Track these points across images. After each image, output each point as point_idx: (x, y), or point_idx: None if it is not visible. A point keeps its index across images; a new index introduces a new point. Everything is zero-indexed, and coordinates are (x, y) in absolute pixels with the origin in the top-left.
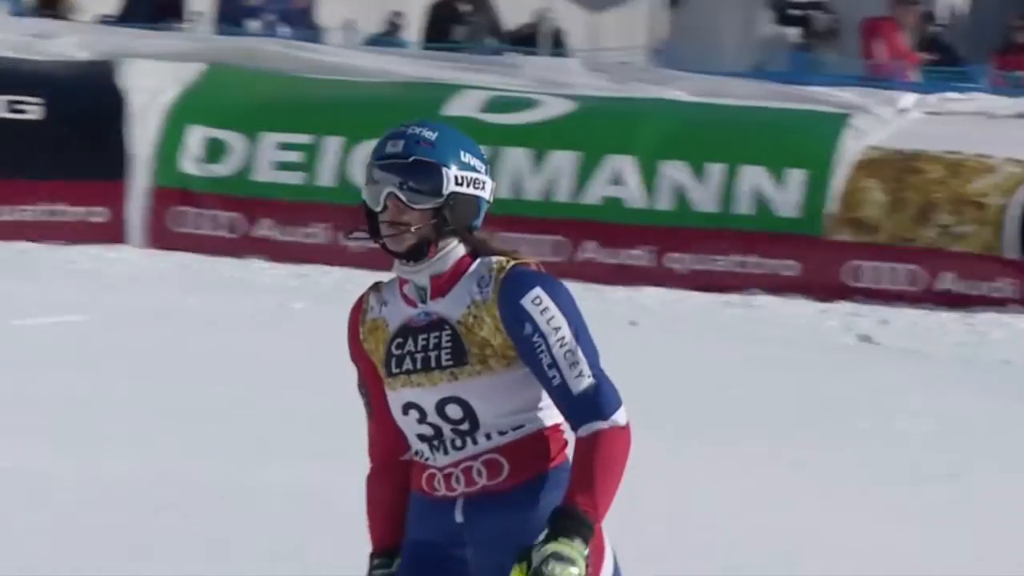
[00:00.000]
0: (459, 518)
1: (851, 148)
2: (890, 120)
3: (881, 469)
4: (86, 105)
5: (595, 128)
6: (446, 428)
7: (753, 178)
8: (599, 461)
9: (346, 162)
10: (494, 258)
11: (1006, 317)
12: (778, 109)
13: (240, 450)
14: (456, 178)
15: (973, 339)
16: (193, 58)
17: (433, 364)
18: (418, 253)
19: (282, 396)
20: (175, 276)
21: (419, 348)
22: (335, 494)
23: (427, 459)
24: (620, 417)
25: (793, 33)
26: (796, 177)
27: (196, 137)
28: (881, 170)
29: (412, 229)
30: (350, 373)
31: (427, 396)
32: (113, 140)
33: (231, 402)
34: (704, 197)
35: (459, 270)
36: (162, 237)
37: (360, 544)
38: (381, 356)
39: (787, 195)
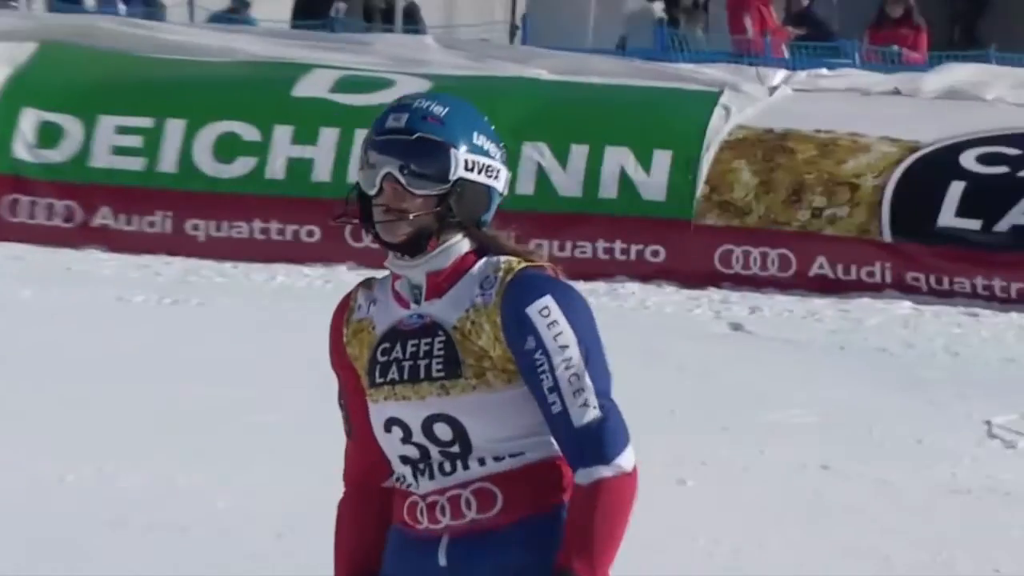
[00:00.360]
0: (442, 561)
1: (719, 127)
2: (759, 98)
3: (754, 462)
4: None
5: None
6: (433, 450)
7: (618, 160)
8: (600, 516)
9: (189, 146)
10: (503, 258)
11: (881, 303)
12: (644, 88)
13: (69, 449)
14: (466, 162)
15: (848, 326)
16: (25, 37)
17: (422, 375)
18: (415, 246)
19: (120, 392)
20: (8, 268)
21: (407, 355)
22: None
23: (410, 485)
24: (626, 461)
25: (659, 8)
26: (663, 159)
27: (29, 121)
28: (751, 150)
29: (410, 217)
30: (193, 366)
31: (413, 411)
32: None
33: (66, 398)
34: (567, 180)
35: (460, 268)
36: None
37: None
38: (365, 363)
39: (654, 178)
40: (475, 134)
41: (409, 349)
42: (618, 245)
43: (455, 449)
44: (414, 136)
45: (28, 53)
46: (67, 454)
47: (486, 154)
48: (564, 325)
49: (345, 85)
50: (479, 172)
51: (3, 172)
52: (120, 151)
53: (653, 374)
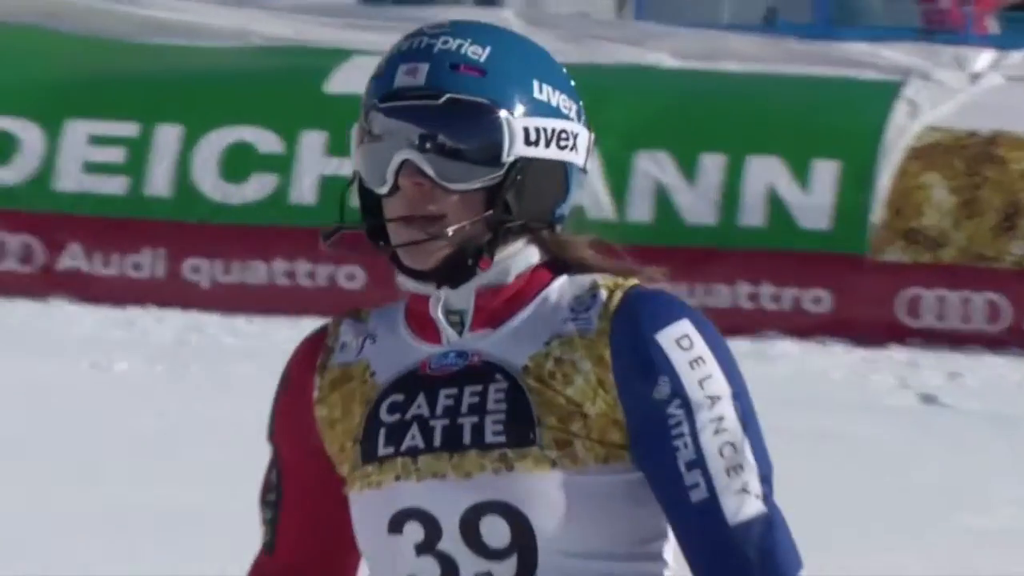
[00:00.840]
0: None
1: (904, 129)
2: (958, 89)
3: None
4: None
5: None
6: (469, 567)
7: (766, 174)
8: None
9: (187, 162)
10: (598, 276)
11: None
12: (799, 77)
13: (48, 550)
14: (526, 131)
15: None
16: None
17: (467, 439)
18: (457, 271)
19: (95, 492)
20: None
21: (439, 411)
22: None
23: None
24: None
25: None
26: (826, 172)
27: None
28: (946, 160)
29: (449, 230)
30: (194, 456)
31: (450, 498)
32: None
33: (22, 501)
34: (696, 202)
35: (529, 287)
36: None
37: None
38: (354, 428)
39: (814, 198)
40: (535, 83)
41: (442, 402)
42: (766, 290)
43: (509, 568)
44: (442, 99)
45: None
46: (32, 557)
47: (556, 112)
48: (714, 366)
49: None
50: (547, 143)
51: None
52: (95, 168)
53: (816, 463)
